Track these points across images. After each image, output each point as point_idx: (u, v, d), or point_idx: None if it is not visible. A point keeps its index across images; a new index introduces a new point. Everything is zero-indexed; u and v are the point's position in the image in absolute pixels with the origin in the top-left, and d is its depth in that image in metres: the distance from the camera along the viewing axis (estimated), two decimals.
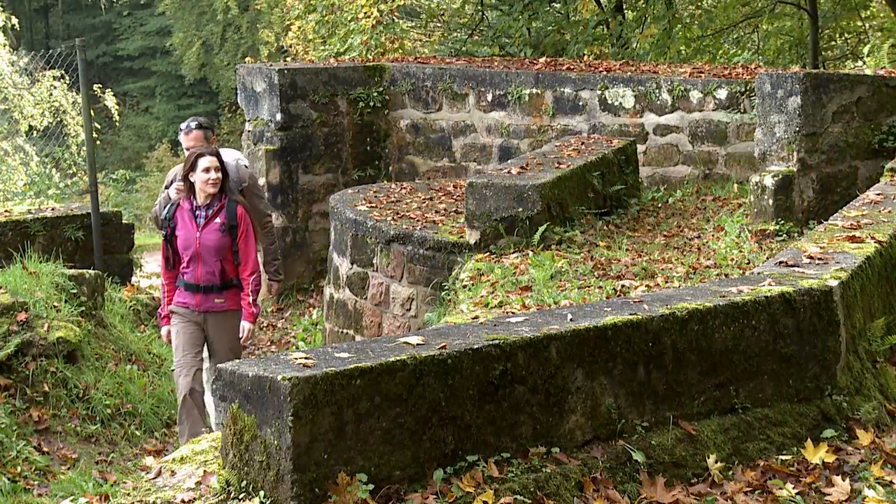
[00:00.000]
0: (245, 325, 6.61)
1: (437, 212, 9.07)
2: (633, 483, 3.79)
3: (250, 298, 6.56)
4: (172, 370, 6.87)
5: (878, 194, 6.45)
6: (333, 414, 3.29)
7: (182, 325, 6.57)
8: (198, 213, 6.48)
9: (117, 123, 21.96)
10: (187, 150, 7.01)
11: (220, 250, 6.46)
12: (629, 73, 10.88)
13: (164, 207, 6.81)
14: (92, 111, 10.29)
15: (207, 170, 6.39)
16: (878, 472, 4.06)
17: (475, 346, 3.60)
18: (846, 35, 19.10)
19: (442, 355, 3.51)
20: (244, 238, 6.51)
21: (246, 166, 7.30)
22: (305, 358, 3.43)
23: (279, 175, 11.42)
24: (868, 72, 9.64)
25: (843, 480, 4.00)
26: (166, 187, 7.04)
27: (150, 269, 11.12)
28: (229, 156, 6.99)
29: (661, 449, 3.94)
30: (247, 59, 26.02)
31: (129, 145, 34.56)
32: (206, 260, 6.45)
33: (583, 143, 9.64)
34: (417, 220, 8.69)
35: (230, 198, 6.54)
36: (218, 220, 6.46)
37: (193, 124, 7.16)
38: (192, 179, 6.46)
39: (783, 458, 4.15)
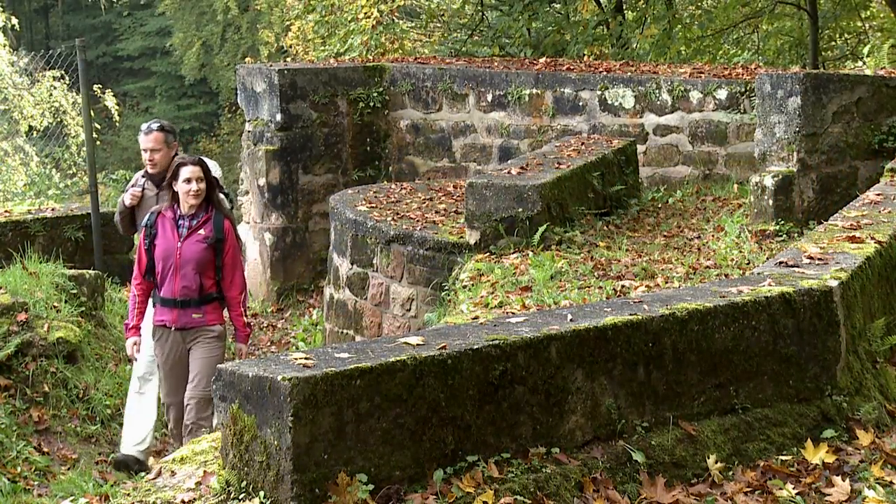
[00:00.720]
0: (240, 348, 6.34)
1: (437, 212, 9.07)
2: (633, 483, 3.79)
3: (244, 320, 6.25)
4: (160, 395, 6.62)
5: (878, 194, 6.45)
6: (333, 414, 3.29)
7: (165, 360, 6.21)
8: (180, 222, 6.09)
9: (117, 124, 21.92)
10: (144, 151, 6.70)
11: (200, 263, 6.07)
12: (629, 74, 10.88)
13: (120, 212, 6.65)
14: (92, 111, 10.27)
15: (189, 180, 6.02)
16: (878, 473, 4.06)
17: (475, 347, 3.60)
18: (846, 35, 19.07)
19: (442, 355, 3.51)
20: (231, 253, 6.15)
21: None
22: (305, 358, 3.43)
23: (279, 175, 11.41)
24: (868, 72, 9.64)
25: (843, 481, 4.00)
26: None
27: None
28: None
29: (661, 449, 3.94)
30: (247, 60, 26.00)
31: (129, 145, 34.47)
32: (185, 273, 6.05)
33: (583, 144, 9.64)
34: (417, 221, 8.68)
35: (217, 209, 6.18)
36: (202, 231, 6.08)
37: (155, 126, 6.76)
38: (175, 189, 6.10)
39: (783, 458, 4.15)
